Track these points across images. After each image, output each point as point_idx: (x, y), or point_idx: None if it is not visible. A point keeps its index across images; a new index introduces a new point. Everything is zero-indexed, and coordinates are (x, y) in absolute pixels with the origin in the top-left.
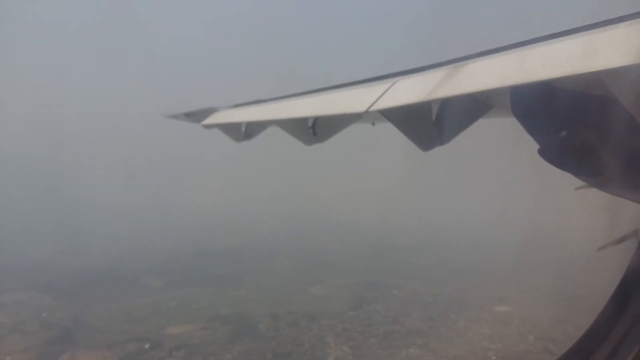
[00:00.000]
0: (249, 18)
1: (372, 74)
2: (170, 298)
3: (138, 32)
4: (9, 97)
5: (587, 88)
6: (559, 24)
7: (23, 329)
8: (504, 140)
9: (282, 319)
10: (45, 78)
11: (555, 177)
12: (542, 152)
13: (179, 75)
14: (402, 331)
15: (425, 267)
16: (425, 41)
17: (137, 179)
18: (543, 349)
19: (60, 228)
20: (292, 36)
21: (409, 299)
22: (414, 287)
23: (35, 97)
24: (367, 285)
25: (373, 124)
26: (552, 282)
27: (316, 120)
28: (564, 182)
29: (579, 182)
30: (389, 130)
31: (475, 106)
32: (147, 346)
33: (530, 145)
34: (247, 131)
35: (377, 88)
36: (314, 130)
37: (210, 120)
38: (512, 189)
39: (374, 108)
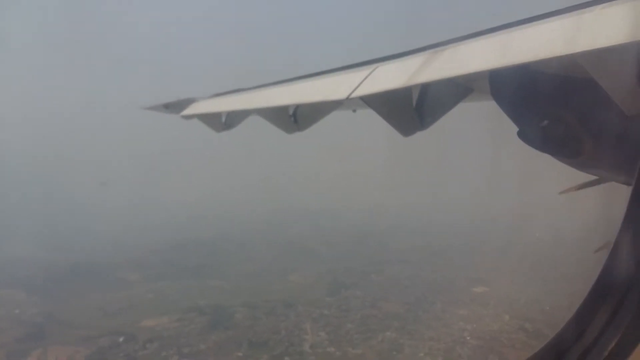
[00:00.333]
0: (228, 9)
1: (352, 61)
2: (146, 291)
3: (120, 28)
4: None
5: (566, 71)
6: (538, 7)
7: None
8: (483, 125)
9: (259, 307)
10: (27, 71)
11: (534, 161)
12: (522, 135)
13: (159, 69)
14: (379, 315)
15: (404, 252)
16: (405, 26)
17: (112, 180)
18: (518, 327)
19: (36, 224)
20: (271, 23)
21: (387, 284)
22: (392, 272)
23: (16, 91)
24: (345, 271)
25: (354, 110)
26: (529, 264)
27: (297, 108)
28: (543, 166)
29: (558, 164)
30: (369, 116)
31: (455, 90)
32: (121, 340)
33: (510, 128)
34: (227, 121)
35: (357, 75)
36: (295, 118)
37: (189, 110)
38: (490, 174)
39: (354, 95)
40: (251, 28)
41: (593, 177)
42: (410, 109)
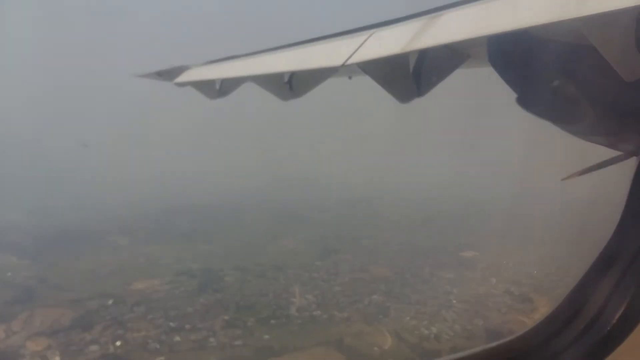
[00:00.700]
0: None
1: (348, 26)
2: (137, 255)
3: None
4: None
5: (564, 36)
6: None
7: None
8: (480, 92)
9: (249, 271)
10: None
11: (532, 129)
12: (520, 101)
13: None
14: (367, 279)
15: (396, 218)
16: None
17: (102, 140)
18: (504, 291)
19: (26, 189)
20: None
21: (377, 249)
22: (383, 237)
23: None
24: (337, 236)
25: (350, 77)
26: (520, 228)
27: (292, 75)
28: (540, 135)
29: (556, 132)
30: (366, 83)
31: (452, 56)
32: (110, 302)
33: (508, 95)
34: (221, 88)
35: (354, 40)
36: (291, 85)
37: (182, 78)
38: (485, 141)
39: (350, 61)
40: None
41: (592, 162)
42: (408, 76)
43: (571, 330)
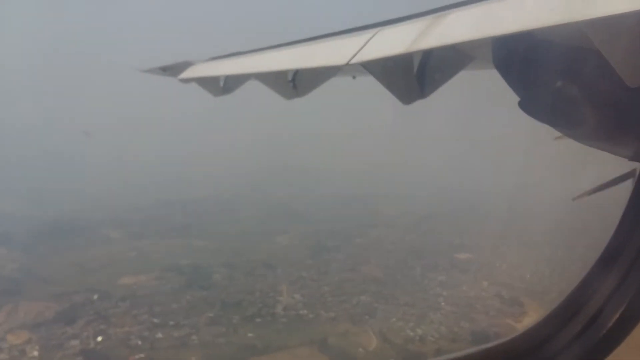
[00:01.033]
0: None
1: (353, 25)
2: (128, 249)
3: None
4: None
5: (569, 40)
6: None
7: None
8: (481, 93)
9: (239, 268)
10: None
11: (533, 132)
12: (523, 105)
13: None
14: (357, 279)
15: (392, 216)
16: None
17: (99, 132)
18: (495, 294)
19: (18, 179)
20: None
21: (370, 247)
22: (377, 236)
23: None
24: (331, 234)
25: (354, 76)
26: (517, 230)
27: (296, 73)
28: (539, 135)
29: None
30: (368, 83)
31: (457, 58)
32: (95, 297)
33: (508, 98)
34: (225, 85)
35: (358, 39)
36: (294, 83)
37: (187, 74)
38: (485, 142)
39: (354, 60)
40: None
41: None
42: (411, 76)
43: (570, 330)
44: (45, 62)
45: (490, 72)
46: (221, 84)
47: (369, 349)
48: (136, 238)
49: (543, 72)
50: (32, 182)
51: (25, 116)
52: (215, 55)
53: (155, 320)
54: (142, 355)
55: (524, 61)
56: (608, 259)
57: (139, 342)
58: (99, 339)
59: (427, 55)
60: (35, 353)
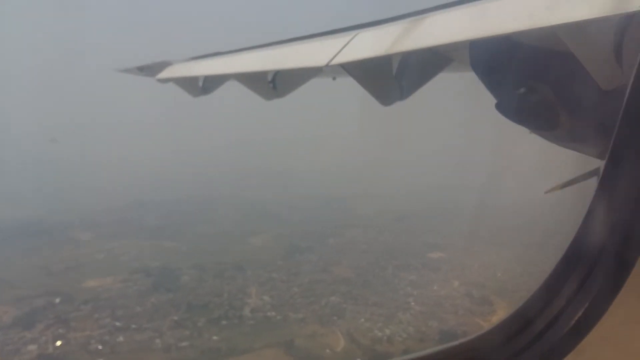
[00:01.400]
0: None
1: (332, 27)
2: (97, 251)
3: None
4: None
5: (545, 43)
6: None
7: None
8: (459, 96)
9: (208, 270)
10: None
11: (509, 133)
12: (499, 107)
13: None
14: (328, 280)
15: (367, 216)
16: None
17: (73, 134)
18: (465, 293)
19: None
20: None
21: (343, 248)
22: (351, 236)
23: None
24: (305, 234)
25: (334, 78)
26: (491, 230)
27: (276, 74)
28: (517, 137)
29: (533, 136)
30: (346, 84)
31: (435, 60)
32: (57, 300)
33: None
34: (204, 85)
35: (338, 41)
36: (274, 84)
37: (165, 74)
38: (461, 141)
39: (334, 62)
40: None
41: (572, 169)
42: (390, 78)
43: (533, 328)
44: (19, 63)
45: (468, 74)
46: (200, 84)
47: (336, 350)
48: (106, 240)
49: (519, 74)
50: (4, 184)
51: None
52: (194, 55)
53: (117, 323)
54: (102, 359)
55: (500, 64)
56: (571, 257)
57: (99, 347)
58: (58, 343)
59: (406, 57)
60: None
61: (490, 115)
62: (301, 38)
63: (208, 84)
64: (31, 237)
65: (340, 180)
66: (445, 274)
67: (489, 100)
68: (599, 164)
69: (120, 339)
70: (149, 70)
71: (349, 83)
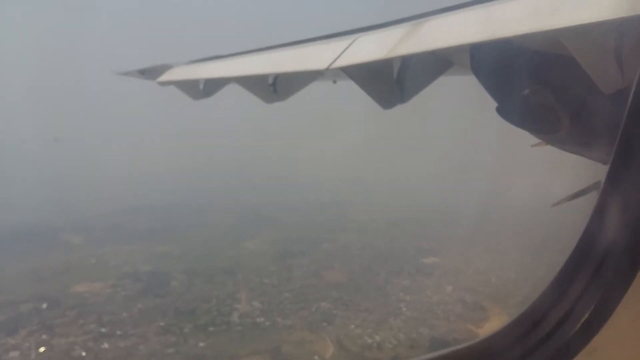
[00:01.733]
0: None
1: (332, 30)
2: (89, 255)
3: None
4: None
5: (545, 47)
6: None
7: None
8: (460, 100)
9: (199, 274)
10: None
11: (509, 138)
12: (501, 111)
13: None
14: (319, 285)
15: (363, 221)
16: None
17: (68, 134)
18: (458, 299)
19: None
20: None
21: (337, 252)
22: (345, 241)
23: None
24: (299, 239)
25: (334, 81)
26: (486, 235)
27: (277, 77)
28: (513, 140)
29: (534, 140)
30: (349, 88)
31: (436, 63)
32: (44, 305)
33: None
34: (205, 88)
35: (338, 45)
36: (275, 87)
37: (165, 77)
38: (457, 147)
39: (335, 65)
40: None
41: (577, 177)
42: (391, 82)
43: (540, 331)
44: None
45: (471, 77)
46: (201, 87)
47: (324, 357)
48: (98, 244)
49: (519, 78)
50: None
51: None
52: (195, 58)
53: (102, 329)
54: None
55: (501, 67)
56: (579, 256)
57: (83, 353)
58: (41, 349)
59: (407, 61)
60: None
61: (489, 119)
62: (302, 41)
63: (209, 87)
64: (23, 241)
65: (337, 185)
66: (439, 280)
67: (489, 103)
68: (601, 168)
69: (105, 345)
70: (150, 73)
71: (349, 86)
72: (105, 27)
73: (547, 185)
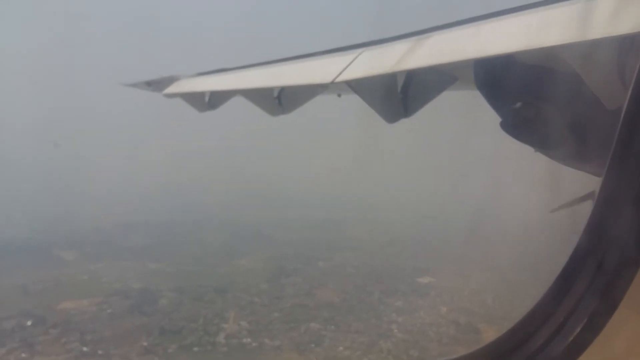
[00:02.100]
0: None
1: (337, 45)
2: (81, 271)
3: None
4: None
5: (549, 63)
6: None
7: None
8: (462, 115)
9: (188, 292)
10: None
11: (512, 153)
12: (504, 125)
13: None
14: (311, 304)
15: (360, 240)
16: (390, 12)
17: (64, 147)
18: (451, 321)
19: None
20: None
21: (331, 271)
22: (341, 259)
23: None
24: (295, 257)
25: (339, 95)
26: (483, 254)
27: (282, 90)
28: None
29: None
30: (354, 102)
31: (440, 78)
32: (29, 322)
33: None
34: (210, 101)
35: (343, 59)
36: (280, 100)
37: (172, 89)
38: (455, 166)
39: (339, 79)
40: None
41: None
42: (395, 96)
43: (528, 347)
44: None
45: (475, 92)
46: (206, 99)
47: None
48: (91, 260)
49: (523, 93)
50: None
51: None
52: (201, 70)
53: (84, 348)
54: None
55: (505, 82)
56: (565, 279)
57: None
58: None
59: (411, 75)
60: None
61: (491, 134)
62: (307, 55)
63: (214, 100)
64: (14, 255)
65: (336, 201)
66: (434, 300)
67: (488, 118)
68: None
69: None
70: (157, 85)
71: (353, 100)
72: (103, 38)
73: (546, 201)
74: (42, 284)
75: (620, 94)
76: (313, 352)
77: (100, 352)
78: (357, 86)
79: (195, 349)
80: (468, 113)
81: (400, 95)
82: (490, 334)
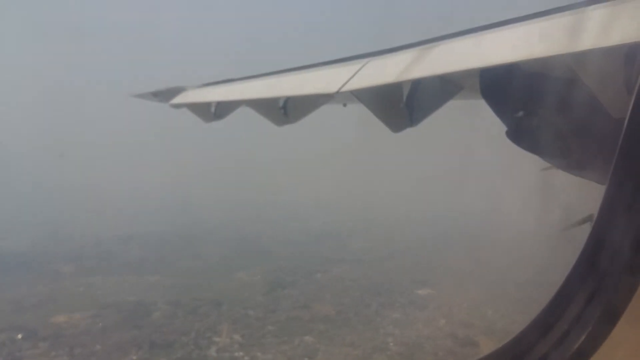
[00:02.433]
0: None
1: (343, 55)
2: (77, 284)
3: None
4: None
5: (555, 71)
6: (533, 6)
7: None
8: (466, 124)
9: (183, 306)
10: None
11: (517, 162)
12: (510, 135)
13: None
14: (306, 317)
15: (359, 251)
16: (395, 22)
17: (65, 158)
18: (449, 334)
19: None
20: (264, 14)
21: (329, 283)
22: (339, 271)
23: None
24: (292, 269)
25: (345, 104)
26: (482, 267)
27: (287, 100)
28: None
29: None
30: (359, 112)
31: (445, 87)
32: (19, 336)
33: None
34: (216, 111)
35: (349, 69)
36: (285, 110)
37: (178, 99)
38: (458, 176)
39: (345, 89)
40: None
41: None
42: (401, 105)
43: (529, 358)
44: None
45: (480, 101)
46: (212, 110)
47: None
48: (88, 273)
49: (529, 102)
50: None
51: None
52: (207, 81)
53: None
54: None
55: (512, 92)
56: (567, 291)
57: None
58: None
59: (416, 84)
60: None
61: (497, 144)
62: (313, 65)
63: (220, 110)
64: (10, 268)
65: (337, 213)
66: (432, 312)
67: (490, 128)
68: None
69: None
70: (163, 95)
71: (359, 110)
72: (108, 50)
73: (552, 213)
74: (37, 297)
75: (626, 102)
76: None
77: None
78: (362, 96)
79: None
80: (473, 122)
81: (405, 104)
82: (488, 347)
